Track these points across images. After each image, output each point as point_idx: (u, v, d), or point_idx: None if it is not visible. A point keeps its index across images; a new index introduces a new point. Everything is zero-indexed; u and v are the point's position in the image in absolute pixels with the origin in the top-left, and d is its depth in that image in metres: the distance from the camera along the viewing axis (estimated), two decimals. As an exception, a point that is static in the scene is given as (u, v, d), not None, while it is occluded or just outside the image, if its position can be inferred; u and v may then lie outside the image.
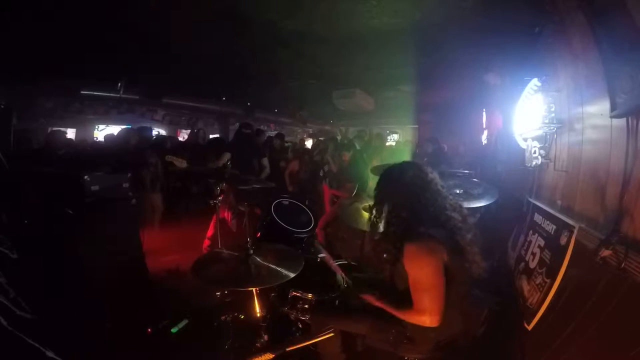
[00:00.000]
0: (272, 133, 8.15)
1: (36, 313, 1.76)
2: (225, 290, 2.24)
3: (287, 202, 2.85)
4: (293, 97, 7.63)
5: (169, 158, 3.79)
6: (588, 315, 1.32)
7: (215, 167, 3.91)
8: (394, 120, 10.24)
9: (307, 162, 5.27)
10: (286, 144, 6.76)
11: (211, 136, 9.47)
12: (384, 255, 1.48)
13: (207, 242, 3.54)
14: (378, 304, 1.51)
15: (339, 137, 7.68)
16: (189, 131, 8.54)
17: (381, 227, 1.55)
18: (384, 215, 1.52)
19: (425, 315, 1.32)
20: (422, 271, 1.32)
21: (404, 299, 1.40)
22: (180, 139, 8.55)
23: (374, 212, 1.58)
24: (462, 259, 1.39)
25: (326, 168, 4.67)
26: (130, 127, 5.94)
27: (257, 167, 4.34)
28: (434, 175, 1.53)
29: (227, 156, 3.93)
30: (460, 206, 1.55)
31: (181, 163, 3.84)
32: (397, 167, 1.59)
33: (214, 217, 3.20)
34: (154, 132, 7.74)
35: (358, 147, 4.98)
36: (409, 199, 1.44)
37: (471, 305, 1.57)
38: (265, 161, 4.51)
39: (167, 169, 4.04)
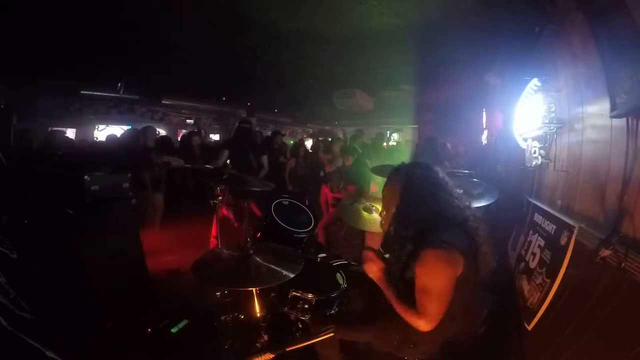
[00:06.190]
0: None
1: (36, 313, 1.76)
2: (225, 290, 2.24)
3: (287, 202, 2.85)
4: (293, 97, 7.63)
5: (165, 159, 3.82)
6: (588, 315, 1.32)
7: (215, 166, 3.91)
8: (394, 120, 10.25)
9: (302, 156, 5.25)
10: (288, 141, 6.75)
11: (211, 136, 9.50)
12: (389, 256, 1.45)
13: (214, 242, 3.53)
14: (384, 287, 1.43)
15: (340, 137, 7.68)
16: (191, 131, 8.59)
17: (387, 227, 1.51)
18: (392, 215, 1.46)
19: (424, 320, 1.28)
20: (434, 280, 1.26)
21: (411, 297, 1.35)
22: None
23: (382, 212, 1.52)
24: (476, 263, 1.35)
25: (326, 170, 4.65)
26: (130, 127, 5.95)
27: (256, 165, 4.31)
28: (443, 174, 1.47)
29: (225, 154, 3.92)
30: (472, 206, 1.49)
31: (178, 162, 3.87)
32: (404, 167, 1.53)
33: (216, 217, 3.20)
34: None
35: (359, 150, 4.98)
36: (423, 199, 1.37)
37: (472, 305, 1.56)
38: (264, 159, 4.47)
39: (169, 168, 4.07)
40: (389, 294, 1.40)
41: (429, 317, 1.27)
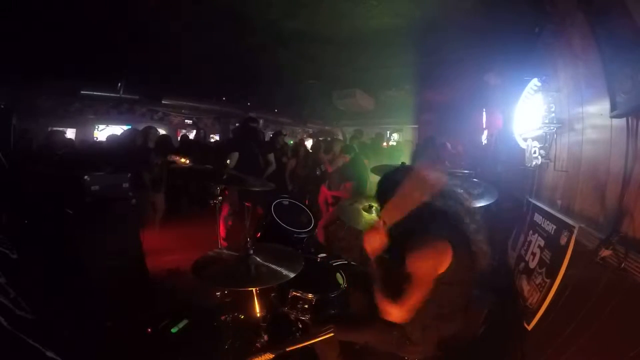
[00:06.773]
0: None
1: (36, 313, 1.76)
2: (225, 290, 2.24)
3: (287, 202, 2.85)
4: (293, 97, 7.64)
5: (171, 157, 3.82)
6: (588, 315, 1.32)
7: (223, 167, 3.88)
8: (394, 120, 10.23)
9: (303, 157, 5.24)
10: (288, 141, 6.76)
11: (211, 136, 9.51)
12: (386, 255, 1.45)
13: (223, 245, 3.47)
14: (375, 264, 1.44)
15: (340, 137, 7.68)
16: (194, 131, 8.69)
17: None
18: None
19: (405, 311, 1.26)
20: (415, 264, 1.26)
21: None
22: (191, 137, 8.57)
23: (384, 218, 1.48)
24: (470, 260, 1.35)
25: (322, 167, 4.65)
26: (130, 127, 5.95)
27: (263, 163, 4.23)
28: (454, 182, 1.45)
29: (235, 156, 3.74)
30: (474, 210, 1.46)
31: (185, 161, 3.86)
32: (397, 174, 1.47)
33: (221, 218, 3.17)
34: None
35: (356, 149, 4.98)
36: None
37: (471, 305, 1.56)
38: (271, 156, 4.41)
39: (170, 168, 4.06)
40: (376, 273, 1.40)
41: (411, 308, 1.26)
